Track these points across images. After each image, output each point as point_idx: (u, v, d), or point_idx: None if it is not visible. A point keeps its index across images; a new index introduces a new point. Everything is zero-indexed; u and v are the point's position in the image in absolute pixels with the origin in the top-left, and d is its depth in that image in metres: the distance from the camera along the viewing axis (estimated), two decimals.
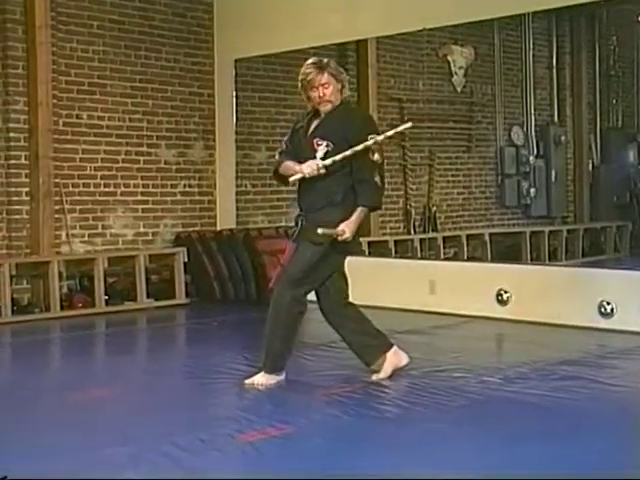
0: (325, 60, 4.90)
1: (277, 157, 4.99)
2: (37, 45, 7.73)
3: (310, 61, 4.88)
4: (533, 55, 11.91)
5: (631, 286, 6.56)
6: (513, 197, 11.76)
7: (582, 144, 12.43)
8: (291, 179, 4.84)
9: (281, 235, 8.61)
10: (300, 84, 4.84)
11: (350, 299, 5.01)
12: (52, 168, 7.91)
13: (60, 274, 7.83)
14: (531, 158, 11.89)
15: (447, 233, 10.83)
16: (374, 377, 4.91)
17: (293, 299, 4.75)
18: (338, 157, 4.66)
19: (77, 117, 8.23)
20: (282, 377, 4.88)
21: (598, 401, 4.57)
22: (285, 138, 5.02)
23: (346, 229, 4.67)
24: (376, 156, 4.71)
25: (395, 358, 4.97)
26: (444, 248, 10.43)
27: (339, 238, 4.67)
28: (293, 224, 4.93)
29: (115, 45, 8.47)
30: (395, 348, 4.99)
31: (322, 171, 4.68)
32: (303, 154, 4.81)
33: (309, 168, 4.70)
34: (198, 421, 4.17)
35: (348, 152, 4.65)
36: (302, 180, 4.80)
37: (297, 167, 4.76)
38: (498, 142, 11.72)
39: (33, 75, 7.76)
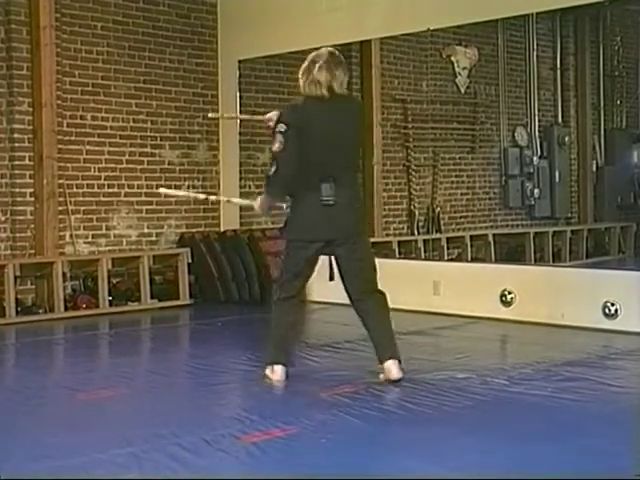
0: None
1: None
2: (41, 46, 7.74)
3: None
4: (537, 56, 11.91)
5: (635, 287, 6.55)
6: (517, 198, 11.77)
7: (586, 145, 12.44)
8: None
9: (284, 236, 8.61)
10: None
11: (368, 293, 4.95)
12: (56, 169, 7.92)
13: (64, 275, 7.84)
14: (535, 159, 11.89)
15: (451, 234, 10.83)
16: (381, 377, 4.90)
17: (278, 297, 4.96)
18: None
19: (81, 118, 8.25)
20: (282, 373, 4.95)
21: (602, 402, 4.56)
22: None
23: (254, 203, 5.15)
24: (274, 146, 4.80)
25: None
26: (448, 249, 10.43)
27: None
28: None
29: (119, 46, 8.48)
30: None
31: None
32: None
33: None
34: (202, 421, 4.17)
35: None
36: None
37: None
38: (502, 143, 11.73)
39: (37, 76, 7.77)
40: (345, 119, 4.84)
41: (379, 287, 4.97)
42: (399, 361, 4.84)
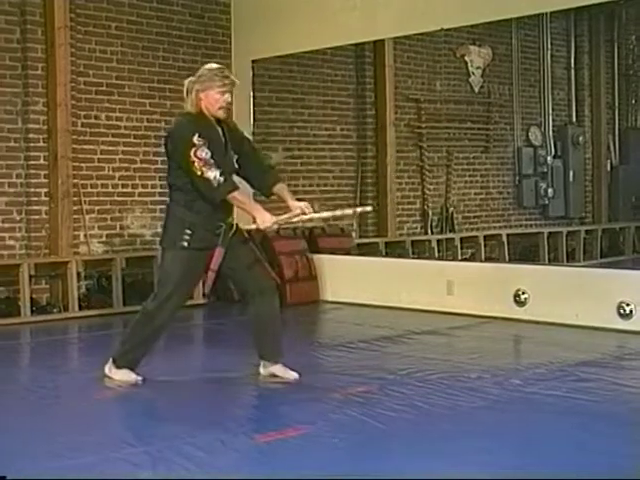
0: None
1: (219, 176, 4.70)
2: (56, 46, 7.77)
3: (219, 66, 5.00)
4: (551, 55, 11.88)
5: None
6: (531, 197, 11.74)
7: (600, 144, 12.39)
8: (248, 227, 5.14)
9: (298, 236, 8.63)
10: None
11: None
12: (71, 169, 7.94)
13: (78, 274, 7.87)
14: (549, 158, 11.86)
15: (464, 234, 10.82)
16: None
17: None
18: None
19: (95, 118, 8.27)
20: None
21: (617, 403, 4.55)
22: (204, 151, 4.68)
23: None
24: None
25: None
26: (461, 249, 10.42)
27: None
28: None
29: (133, 46, 8.50)
30: None
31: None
32: (227, 167, 4.82)
33: (267, 224, 5.01)
34: (216, 421, 4.18)
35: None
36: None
37: (264, 216, 5.02)
38: (516, 142, 11.70)
39: (52, 76, 7.80)
40: None
41: (152, 306, 4.96)
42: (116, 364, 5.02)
